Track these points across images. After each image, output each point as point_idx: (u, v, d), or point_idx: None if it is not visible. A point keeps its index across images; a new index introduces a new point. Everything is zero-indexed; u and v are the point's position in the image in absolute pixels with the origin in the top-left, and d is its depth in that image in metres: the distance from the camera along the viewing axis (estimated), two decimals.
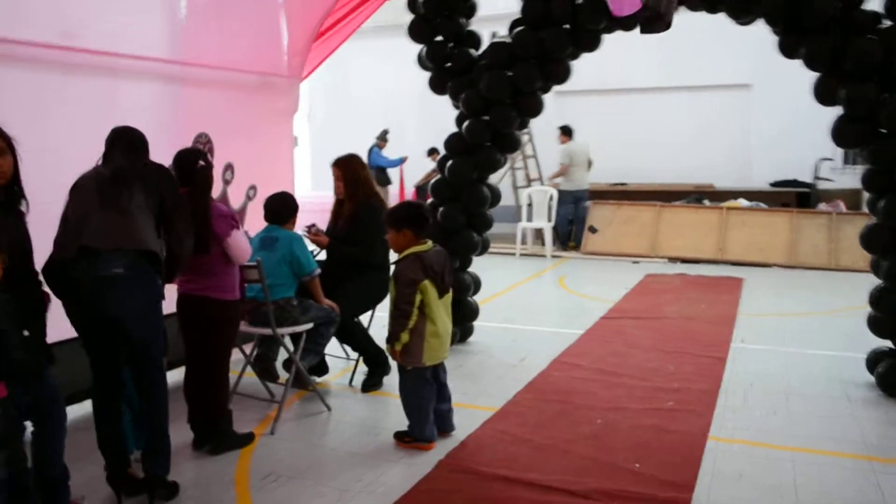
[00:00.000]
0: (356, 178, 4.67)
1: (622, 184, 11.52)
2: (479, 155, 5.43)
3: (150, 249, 3.07)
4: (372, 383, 4.76)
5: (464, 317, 5.72)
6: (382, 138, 12.07)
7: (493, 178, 11.46)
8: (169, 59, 4.95)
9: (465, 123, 5.42)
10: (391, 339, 3.66)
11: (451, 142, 5.54)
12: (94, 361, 3.24)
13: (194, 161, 3.67)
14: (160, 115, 4.97)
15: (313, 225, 4.69)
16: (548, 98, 11.85)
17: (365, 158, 11.69)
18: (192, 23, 5.19)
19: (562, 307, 7.45)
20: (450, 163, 5.52)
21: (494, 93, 5.17)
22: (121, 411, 3.32)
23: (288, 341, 4.40)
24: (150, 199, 3.16)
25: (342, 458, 3.72)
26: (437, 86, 5.57)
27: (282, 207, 4.32)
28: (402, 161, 11.88)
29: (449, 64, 5.47)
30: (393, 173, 12.22)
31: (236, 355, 4.49)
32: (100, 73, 4.48)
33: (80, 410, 3.92)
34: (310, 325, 4.27)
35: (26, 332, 2.84)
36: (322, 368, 4.97)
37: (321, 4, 5.91)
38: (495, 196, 5.66)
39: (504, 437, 3.89)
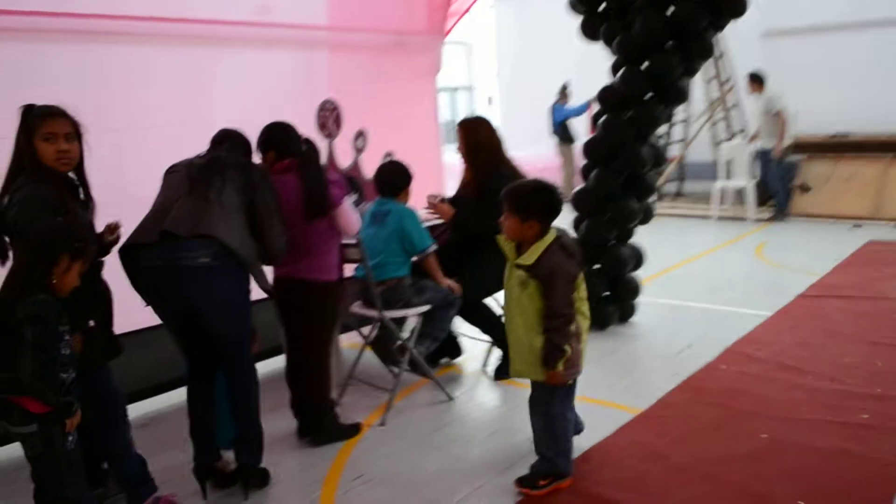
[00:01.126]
0: (477, 142, 4.13)
1: (844, 134, 9.78)
2: (637, 109, 4.66)
3: (227, 244, 2.80)
4: (504, 370, 4.27)
5: (623, 295, 5.05)
6: (563, 94, 11.29)
7: (693, 133, 10.51)
8: (298, 24, 4.71)
9: (620, 73, 4.68)
10: (553, 360, 2.77)
11: (604, 95, 4.82)
12: (181, 348, 3.10)
13: (289, 132, 3.43)
14: (293, 83, 4.79)
15: (436, 196, 4.25)
16: (756, 41, 10.40)
17: (548, 118, 11.29)
18: None
19: (753, 281, 6.40)
20: (603, 119, 4.82)
21: (650, 35, 4.37)
22: (213, 400, 3.15)
23: (410, 325, 4.04)
24: (244, 197, 2.95)
25: (445, 461, 3.29)
26: (589, 31, 4.86)
27: (392, 177, 3.91)
28: (588, 105, 10.91)
29: (604, 5, 4.74)
30: (582, 130, 11.35)
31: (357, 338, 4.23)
32: (223, 44, 4.37)
33: (172, 399, 3.86)
34: (425, 308, 3.86)
35: (91, 323, 2.75)
36: (455, 350, 4.58)
37: None
38: (659, 156, 4.87)
39: (638, 450, 3.24)
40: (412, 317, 3.91)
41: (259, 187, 3.01)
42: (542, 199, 2.83)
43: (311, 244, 3.39)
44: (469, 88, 17.51)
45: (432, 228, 4.20)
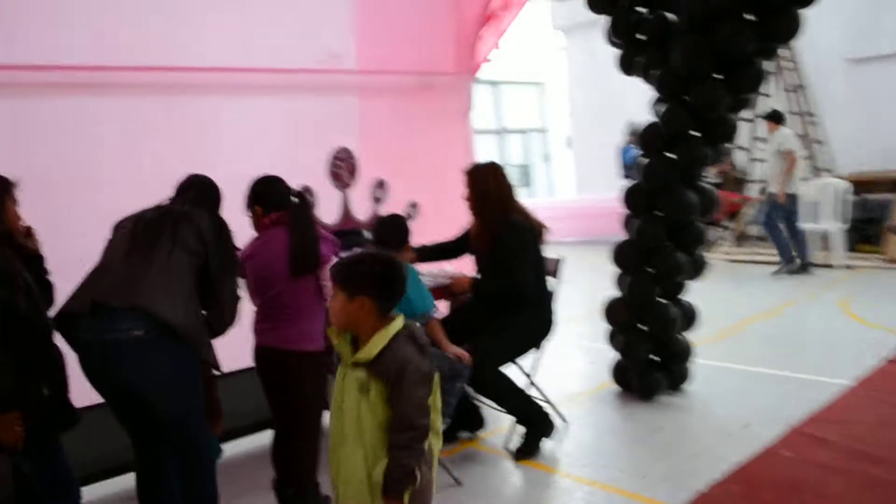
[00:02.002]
0: (484, 191, 3.68)
1: None
2: (681, 149, 4.12)
3: (162, 317, 2.45)
4: (525, 450, 3.75)
5: (671, 358, 4.43)
6: (634, 133, 10.72)
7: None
8: (316, 70, 4.41)
9: (660, 109, 4.16)
10: (401, 488, 2.02)
11: (645, 135, 4.30)
12: (125, 429, 2.75)
13: (274, 184, 3.11)
14: (316, 132, 4.48)
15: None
16: (839, 67, 9.55)
17: (618, 159, 10.73)
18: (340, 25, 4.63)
19: (833, 342, 5.57)
20: (644, 162, 4.29)
21: (691, 65, 3.84)
22: (165, 484, 2.77)
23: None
24: (195, 255, 2.64)
25: None
26: (625, 64, 4.36)
27: (388, 232, 3.50)
28: None
29: (640, 35, 4.25)
30: None
31: None
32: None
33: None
34: None
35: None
36: (477, 422, 4.08)
37: None
38: (707, 200, 4.27)
39: None
40: None
41: (213, 242, 2.68)
42: (372, 269, 2.14)
43: (295, 308, 3.03)
44: (542, 130, 17.07)
45: (442, 289, 3.79)
